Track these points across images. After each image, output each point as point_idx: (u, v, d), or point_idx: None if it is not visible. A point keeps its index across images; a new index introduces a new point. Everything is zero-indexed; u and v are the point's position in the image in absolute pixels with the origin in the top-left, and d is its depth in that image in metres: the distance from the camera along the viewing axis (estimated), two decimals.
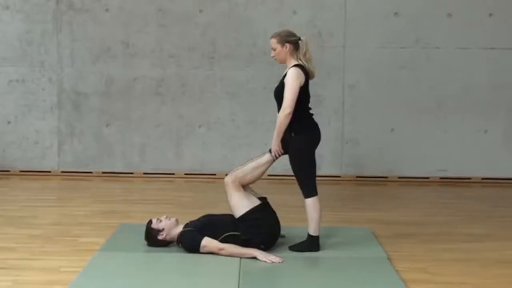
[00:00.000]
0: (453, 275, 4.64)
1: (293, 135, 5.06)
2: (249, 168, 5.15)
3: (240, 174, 5.11)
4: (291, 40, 5.08)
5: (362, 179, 8.18)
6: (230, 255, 4.86)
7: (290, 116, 4.96)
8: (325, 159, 8.16)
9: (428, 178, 8.17)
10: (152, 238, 5.09)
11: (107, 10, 8.15)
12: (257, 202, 5.06)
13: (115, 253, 5.00)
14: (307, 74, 5.07)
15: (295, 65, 5.04)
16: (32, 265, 4.75)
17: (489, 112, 8.11)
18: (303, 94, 5.04)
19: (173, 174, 8.27)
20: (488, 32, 8.04)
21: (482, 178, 8.15)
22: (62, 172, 8.29)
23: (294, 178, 4.96)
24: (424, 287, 4.40)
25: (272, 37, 5.15)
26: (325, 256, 5.01)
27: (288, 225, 5.47)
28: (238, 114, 8.12)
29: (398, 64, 8.09)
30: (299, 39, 5.09)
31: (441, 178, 8.17)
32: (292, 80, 4.97)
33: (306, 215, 5.12)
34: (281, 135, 5.03)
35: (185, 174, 8.26)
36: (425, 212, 6.60)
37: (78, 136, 8.28)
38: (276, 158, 5.15)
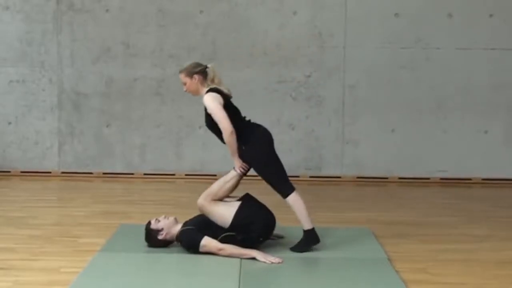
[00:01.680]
0: (453, 276, 4.64)
1: (243, 147, 5.09)
2: (217, 186, 5.13)
3: (211, 193, 5.10)
4: (198, 71, 5.13)
5: (362, 180, 8.18)
6: (230, 256, 4.86)
7: (234, 133, 5.01)
8: (325, 160, 8.18)
9: (428, 178, 8.17)
10: (153, 238, 5.09)
11: (107, 10, 8.16)
12: (237, 205, 5.05)
13: (115, 254, 5.00)
14: (222, 93, 5.09)
15: (207, 91, 5.08)
16: (32, 265, 4.75)
17: (489, 113, 8.12)
18: (229, 110, 5.08)
19: (173, 174, 8.27)
20: (488, 33, 8.05)
21: (482, 179, 8.16)
22: (62, 172, 8.29)
23: (296, 178, 4.96)
24: None
25: (180, 72, 5.19)
26: (325, 256, 5.01)
27: (286, 226, 5.48)
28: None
29: (398, 64, 8.10)
30: (206, 67, 5.14)
31: (441, 178, 8.17)
32: (212, 104, 5.02)
33: (294, 213, 5.12)
34: (235, 153, 5.08)
35: (185, 174, 8.27)
36: (425, 212, 6.61)
37: (78, 136, 8.29)
38: (244, 174, 5.15)
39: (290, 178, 5.14)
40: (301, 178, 8.13)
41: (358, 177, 8.21)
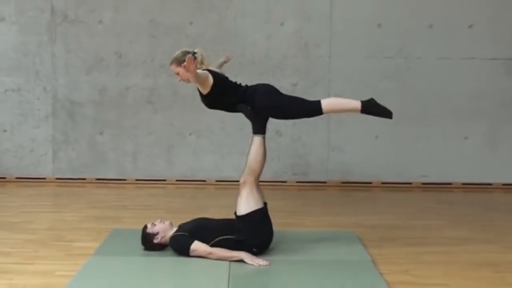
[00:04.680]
0: (435, 277, 4.65)
1: (250, 108, 5.08)
2: (252, 159, 5.06)
3: (251, 169, 5.03)
4: None
5: (347, 185, 8.19)
6: (219, 258, 4.85)
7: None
8: (312, 166, 8.19)
9: (410, 183, 8.19)
10: (149, 242, 5.07)
11: (100, 22, 8.15)
12: (261, 205, 5.03)
13: (108, 257, 4.98)
14: (212, 71, 5.05)
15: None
16: (27, 269, 4.72)
17: (469, 120, 8.15)
18: (226, 85, 5.06)
19: (164, 180, 8.26)
20: (468, 43, 8.09)
21: (463, 183, 8.19)
22: (57, 179, 8.27)
23: (283, 184, 4.93)
24: None
25: (170, 64, 5.14)
26: (311, 259, 5.01)
27: (275, 230, 5.46)
28: (228, 122, 8.12)
29: (382, 73, 8.12)
30: (194, 52, 5.09)
31: (423, 183, 8.19)
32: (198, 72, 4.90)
33: (341, 111, 5.15)
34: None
35: (176, 180, 8.25)
36: (408, 216, 6.62)
37: (72, 144, 8.26)
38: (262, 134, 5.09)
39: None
40: (288, 183, 8.13)
41: (343, 182, 8.22)
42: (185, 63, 4.73)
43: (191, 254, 4.89)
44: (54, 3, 8.13)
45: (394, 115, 8.11)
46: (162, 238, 5.05)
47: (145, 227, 5.12)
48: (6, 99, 8.22)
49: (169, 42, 8.10)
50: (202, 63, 5.11)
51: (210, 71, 5.07)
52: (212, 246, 4.90)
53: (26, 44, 8.17)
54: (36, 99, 8.22)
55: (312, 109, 5.07)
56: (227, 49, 8.09)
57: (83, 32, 8.16)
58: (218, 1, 8.15)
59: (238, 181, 5.12)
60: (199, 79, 4.91)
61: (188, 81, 5.10)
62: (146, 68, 8.19)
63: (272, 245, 5.16)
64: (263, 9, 8.14)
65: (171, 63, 5.16)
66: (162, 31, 8.15)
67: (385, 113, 5.16)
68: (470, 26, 8.09)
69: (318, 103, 5.06)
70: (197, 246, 4.88)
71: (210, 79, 5.00)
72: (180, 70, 5.09)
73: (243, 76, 8.05)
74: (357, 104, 5.08)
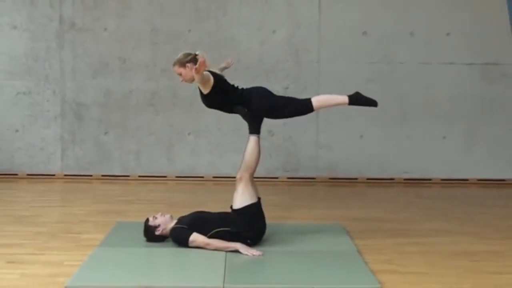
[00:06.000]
0: (416, 266, 4.68)
1: (246, 110, 5.08)
2: (248, 157, 5.08)
3: (247, 166, 5.05)
4: (189, 59, 5.00)
5: (335, 181, 8.22)
6: (216, 249, 4.87)
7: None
8: (302, 163, 8.21)
9: (393, 179, 8.23)
10: (150, 234, 5.08)
11: (105, 29, 8.16)
12: (255, 199, 5.05)
13: (113, 248, 5.00)
14: (214, 73, 5.03)
15: None
16: (38, 259, 4.74)
17: (448, 121, 8.19)
18: (224, 86, 5.05)
19: (165, 177, 8.27)
20: (446, 49, 8.13)
21: (442, 179, 8.22)
22: (65, 175, 8.27)
23: (275, 180, 4.94)
24: (390, 277, 4.42)
25: (173, 65, 5.07)
26: (301, 249, 5.03)
27: (268, 223, 5.48)
28: (224, 123, 8.14)
29: (367, 77, 8.15)
30: (196, 54, 5.03)
31: (405, 179, 8.23)
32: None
33: (330, 106, 5.21)
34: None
35: (176, 177, 8.27)
36: (391, 209, 6.65)
37: (79, 143, 8.27)
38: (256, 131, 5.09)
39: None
40: (280, 179, 8.16)
41: (331, 178, 8.25)
42: (196, 66, 4.72)
43: (190, 245, 4.91)
44: (63, 12, 8.14)
45: (378, 116, 8.22)
46: (163, 230, 5.06)
47: (147, 220, 5.13)
48: (17, 102, 8.22)
49: (169, 48, 8.11)
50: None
51: (211, 72, 5.07)
52: (209, 237, 4.92)
53: (36, 50, 8.17)
54: (46, 101, 8.23)
55: (303, 107, 5.12)
56: (223, 55, 8.11)
57: (89, 39, 8.16)
58: (215, 10, 8.17)
59: (234, 177, 5.15)
60: (202, 79, 4.92)
61: (190, 81, 5.09)
62: (148, 72, 8.20)
63: (265, 236, 5.19)
64: (256, 17, 8.16)
65: (174, 65, 5.12)
66: (162, 38, 8.16)
67: (371, 102, 5.17)
68: (448, 34, 8.13)
69: (308, 101, 5.11)
70: (196, 237, 4.90)
71: (211, 80, 5.00)
72: (182, 71, 5.06)
73: (238, 80, 8.00)
74: (345, 98, 5.13)
